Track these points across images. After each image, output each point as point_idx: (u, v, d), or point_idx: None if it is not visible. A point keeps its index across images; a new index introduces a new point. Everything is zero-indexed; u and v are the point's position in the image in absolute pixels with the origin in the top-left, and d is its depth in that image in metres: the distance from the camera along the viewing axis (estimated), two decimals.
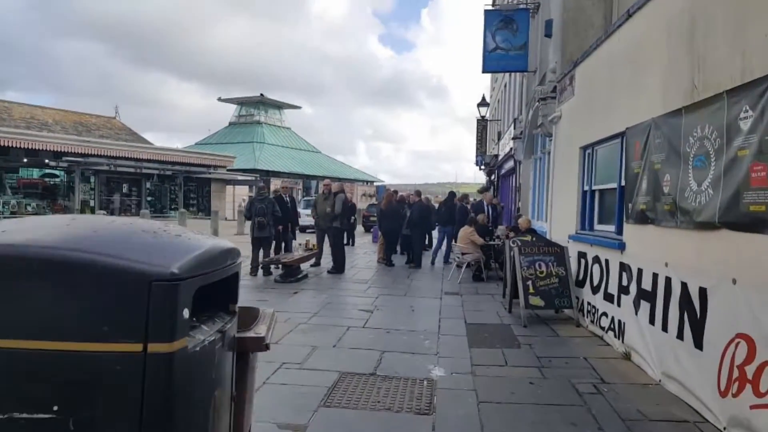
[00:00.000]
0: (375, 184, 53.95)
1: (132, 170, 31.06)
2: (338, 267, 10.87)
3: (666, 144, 4.66)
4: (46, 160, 27.34)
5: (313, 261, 11.51)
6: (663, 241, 4.69)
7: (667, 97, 4.80)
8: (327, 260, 12.09)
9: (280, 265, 9.80)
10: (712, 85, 4.05)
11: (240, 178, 36.32)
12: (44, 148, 26.61)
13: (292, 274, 9.64)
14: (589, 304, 6.64)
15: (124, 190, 32.15)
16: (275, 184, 38.36)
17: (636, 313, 5.12)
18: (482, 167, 23.55)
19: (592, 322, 6.45)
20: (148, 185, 32.95)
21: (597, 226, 6.92)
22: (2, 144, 25.18)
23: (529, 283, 6.96)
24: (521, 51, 11.29)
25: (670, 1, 4.91)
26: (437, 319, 7.03)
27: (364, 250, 15.98)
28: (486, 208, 12.69)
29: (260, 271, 10.26)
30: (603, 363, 5.19)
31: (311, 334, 6.10)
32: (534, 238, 8.11)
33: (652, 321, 4.79)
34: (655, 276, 4.78)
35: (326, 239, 11.62)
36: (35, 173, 30.47)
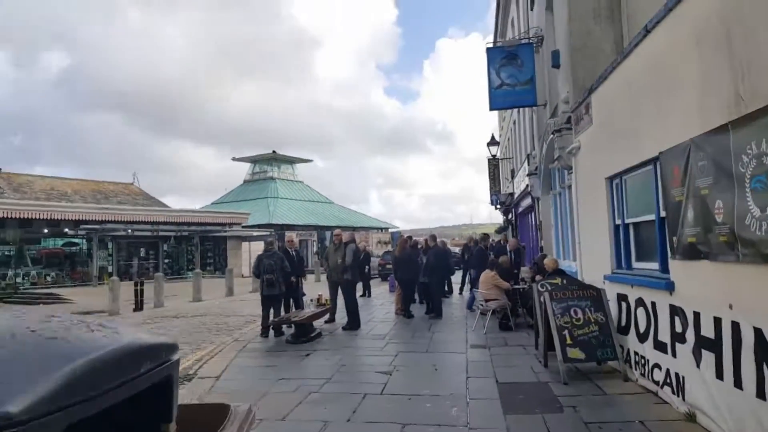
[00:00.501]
0: (390, 230, 53.48)
1: (149, 233, 31.09)
2: (353, 323, 10.18)
3: (712, 166, 4.04)
4: (66, 230, 27.52)
5: (327, 317, 10.85)
6: (723, 279, 3.99)
7: (704, 113, 4.22)
8: (342, 314, 11.41)
9: (292, 325, 9.16)
10: (762, 93, 3.47)
11: (255, 234, 36.11)
12: (64, 218, 26.82)
13: (304, 333, 8.98)
14: (636, 354, 5.85)
15: (142, 254, 32.06)
16: (289, 237, 38.08)
17: (698, 366, 4.36)
18: (498, 207, 22.96)
19: (643, 375, 5.65)
20: (165, 247, 32.87)
21: (636, 264, 6.21)
22: (24, 216, 25.41)
23: (566, 333, 6.21)
24: (528, 85, 10.90)
25: (694, 9, 4.40)
26: (464, 379, 6.28)
27: (380, 301, 15.25)
28: (510, 254, 11.99)
29: (272, 332, 9.62)
30: (664, 427, 4.39)
31: (323, 406, 5.40)
32: (564, 281, 7.40)
33: (719, 375, 4.03)
34: (717, 321, 4.05)
35: (340, 293, 11.01)
36: (58, 243, 30.61)
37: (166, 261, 32.96)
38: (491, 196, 23.55)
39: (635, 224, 6.21)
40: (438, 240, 12.52)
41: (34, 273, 27.14)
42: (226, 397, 5.86)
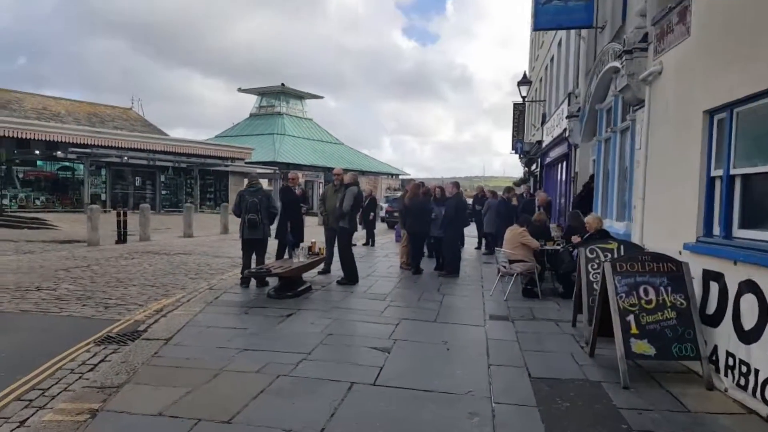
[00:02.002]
0: (400, 177, 51.62)
1: (145, 162, 29.47)
2: (349, 276, 8.62)
3: None
4: (59, 152, 25.94)
5: (321, 267, 9.30)
6: None
7: None
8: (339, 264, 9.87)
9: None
10: None
11: (259, 170, 34.34)
12: (51, 139, 25.15)
13: (290, 286, 7.43)
14: (731, 356, 4.20)
15: (138, 183, 30.55)
16: (293, 174, 36.48)
17: None
18: (521, 156, 20.96)
19: (741, 386, 4.02)
20: (162, 178, 31.31)
21: (739, 232, 4.47)
22: (8, 135, 23.75)
23: (631, 318, 4.55)
24: (584, 0, 8.77)
25: None
26: (485, 368, 4.70)
27: (384, 252, 13.69)
28: (538, 209, 10.23)
29: (254, 281, 8.10)
30: None
31: (291, 401, 3.86)
32: (621, 246, 5.70)
33: None
34: None
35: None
36: (54, 166, 29.06)
37: (164, 192, 31.49)
38: (515, 143, 21.48)
39: (745, 177, 4.42)
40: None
41: (22, 196, 25.82)
42: (163, 373, 4.34)
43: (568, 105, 12.03)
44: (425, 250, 11.55)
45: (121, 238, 15.44)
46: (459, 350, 5.22)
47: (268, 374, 4.32)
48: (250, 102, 50.64)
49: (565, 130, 12.25)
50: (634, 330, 4.50)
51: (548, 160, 17.27)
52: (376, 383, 4.23)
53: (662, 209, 5.76)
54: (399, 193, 38.20)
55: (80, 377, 4.40)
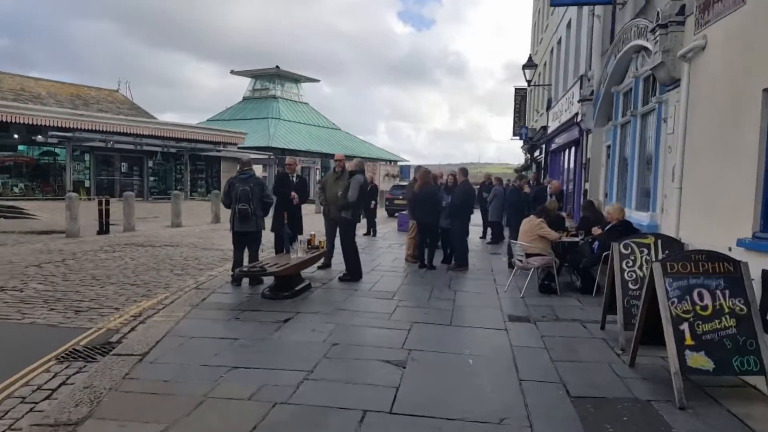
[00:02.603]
0: (398, 163, 50.85)
1: (132, 147, 28.54)
2: (352, 272, 7.96)
3: None
4: (39, 136, 24.92)
5: (321, 262, 8.63)
6: None
7: None
8: (340, 258, 9.20)
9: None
10: None
11: (252, 156, 33.52)
12: (28, 122, 24.02)
13: (287, 285, 6.76)
14: None
15: (124, 169, 29.61)
16: (291, 159, 35.61)
17: None
18: (525, 141, 20.25)
19: None
20: (150, 164, 30.39)
21: None
22: None
23: (686, 327, 3.92)
24: None
25: None
26: (517, 386, 4.07)
27: (387, 242, 13.04)
28: (551, 197, 9.59)
29: (246, 279, 7.42)
30: None
31: None
32: (659, 241, 5.08)
33: None
34: None
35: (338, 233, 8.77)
36: (34, 151, 28.04)
37: (152, 179, 30.59)
38: (520, 129, 20.76)
39: None
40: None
41: None
42: (134, 402, 3.66)
43: (580, 88, 11.34)
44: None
45: (103, 228, 14.65)
46: (483, 362, 4.59)
47: (263, 401, 3.66)
48: (244, 86, 49.53)
49: (576, 114, 11.57)
50: (689, 341, 3.88)
51: (554, 146, 16.60)
52: (393, 410, 3.58)
53: (707, 199, 5.12)
54: (397, 180, 37.38)
55: (32, 409, 3.67)
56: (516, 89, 27.08)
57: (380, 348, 4.84)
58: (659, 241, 5.10)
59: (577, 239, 7.73)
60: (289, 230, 7.79)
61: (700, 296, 4.00)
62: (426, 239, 9.19)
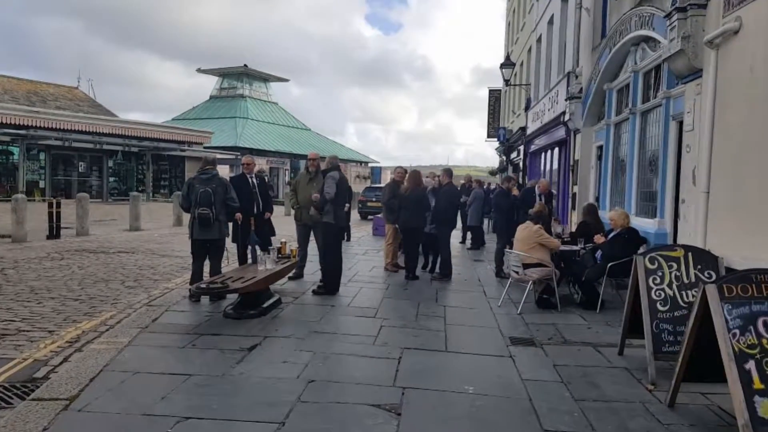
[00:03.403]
0: (369, 164, 50.02)
1: (90, 146, 26.92)
2: (329, 285, 7.07)
3: None
4: None
5: (292, 272, 7.70)
6: None
7: None
8: (313, 267, 8.30)
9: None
10: None
11: (219, 156, 32.17)
12: None
13: (253, 302, 5.82)
14: None
15: (81, 169, 27.90)
16: (259, 164, 34.41)
17: None
18: (504, 142, 19.68)
19: None
20: (110, 164, 28.74)
21: None
22: None
23: (752, 366, 3.18)
24: None
25: None
26: None
27: (363, 248, 12.17)
28: (538, 198, 8.90)
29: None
30: None
31: None
32: (690, 254, 4.39)
33: None
34: None
35: (312, 239, 7.89)
36: None
37: (112, 180, 28.96)
38: (497, 130, 20.16)
39: None
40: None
41: None
42: None
43: (567, 86, 10.73)
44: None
45: (54, 232, 13.35)
46: (493, 405, 3.77)
47: None
48: (211, 86, 47.86)
49: (562, 113, 10.97)
50: (757, 384, 3.14)
51: (533, 147, 16.04)
52: None
53: (745, 205, 4.45)
54: (368, 182, 36.49)
55: None
56: (490, 90, 26.63)
57: (368, 386, 3.97)
58: (690, 254, 4.39)
59: (575, 248, 7.03)
60: (256, 237, 6.83)
61: (766, 326, 3.28)
62: (413, 247, 8.36)
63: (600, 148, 9.75)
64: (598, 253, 6.67)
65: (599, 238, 6.58)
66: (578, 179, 10.21)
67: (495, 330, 5.68)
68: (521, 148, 18.04)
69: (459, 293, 7.61)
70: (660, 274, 4.37)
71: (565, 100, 10.39)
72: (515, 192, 8.87)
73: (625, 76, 8.10)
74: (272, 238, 7.75)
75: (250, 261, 6.80)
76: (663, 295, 4.31)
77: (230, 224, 6.99)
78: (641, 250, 6.60)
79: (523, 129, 16.84)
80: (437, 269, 8.68)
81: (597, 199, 9.82)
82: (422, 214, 8.24)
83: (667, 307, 4.28)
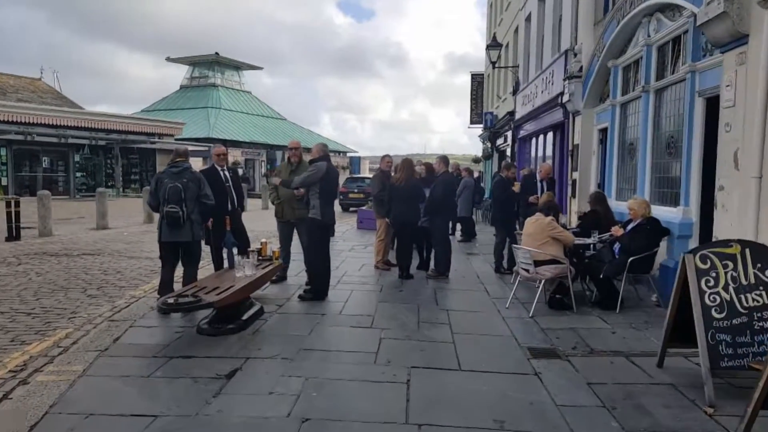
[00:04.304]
0: (348, 155, 49.08)
1: (55, 140, 25.49)
2: (317, 289, 6.31)
3: None
4: None
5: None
6: None
7: None
8: (297, 268, 7.53)
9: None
10: None
11: (191, 148, 30.87)
12: None
13: (231, 315, 5.03)
14: None
15: (46, 164, 26.44)
16: (234, 156, 33.21)
17: None
18: (489, 128, 19.01)
19: None
20: (76, 158, 27.31)
21: None
22: None
23: None
24: None
25: None
26: None
27: (348, 244, 11.42)
28: (540, 185, 8.23)
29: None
30: None
31: None
32: (747, 249, 3.75)
33: None
34: None
35: (294, 238, 7.12)
36: None
37: (79, 175, 27.52)
38: (482, 116, 19.46)
39: None
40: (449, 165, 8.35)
41: None
42: None
43: (565, 65, 10.06)
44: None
45: (13, 234, 12.27)
46: None
47: None
48: (181, 75, 46.18)
49: (560, 95, 10.31)
50: None
51: (523, 133, 15.41)
52: None
53: None
54: (347, 173, 35.60)
55: None
56: (473, 75, 25.94)
57: (376, 425, 3.24)
58: (747, 251, 3.75)
59: (588, 241, 6.38)
60: (233, 239, 6.01)
61: None
62: (406, 243, 7.63)
63: (602, 131, 9.13)
64: (616, 247, 6.04)
65: (617, 230, 5.94)
66: (578, 165, 9.60)
67: (509, 339, 5.00)
68: (508, 134, 17.42)
69: (460, 293, 6.92)
70: (714, 275, 3.72)
71: (564, 79, 9.73)
72: (516, 188, 8.17)
73: (634, 51, 7.45)
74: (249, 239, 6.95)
75: (226, 266, 5.98)
76: (718, 299, 3.66)
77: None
78: (663, 241, 6.00)
79: (511, 113, 16.20)
80: (432, 266, 7.97)
81: (600, 186, 9.22)
82: (417, 206, 7.52)
83: (724, 314, 3.64)
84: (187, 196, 5.60)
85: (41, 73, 34.33)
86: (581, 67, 9.29)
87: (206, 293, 4.77)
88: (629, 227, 5.99)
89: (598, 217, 6.91)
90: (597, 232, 6.37)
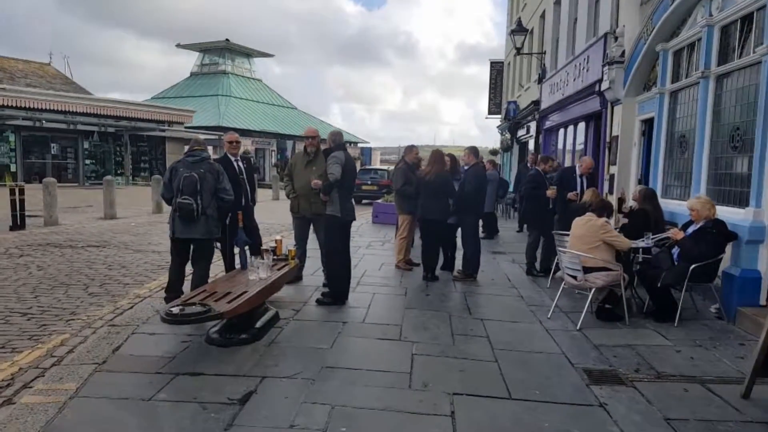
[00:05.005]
0: (359, 145, 48.39)
1: (64, 126, 25.09)
2: (336, 292, 5.72)
3: None
4: None
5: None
6: None
7: None
8: (313, 266, 6.98)
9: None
10: None
11: (201, 136, 30.36)
12: None
13: (243, 324, 4.46)
14: None
15: (54, 151, 26.04)
16: (244, 144, 32.69)
17: None
18: (511, 118, 18.26)
19: None
20: (86, 145, 26.90)
21: None
22: None
23: None
24: None
25: None
26: None
27: (366, 239, 10.82)
28: (579, 180, 7.55)
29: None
30: None
31: None
32: None
33: None
34: None
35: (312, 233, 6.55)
36: None
37: (88, 162, 27.10)
38: (507, 104, 18.65)
39: None
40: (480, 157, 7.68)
41: None
42: None
43: (604, 49, 9.32)
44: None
45: (18, 222, 11.81)
46: None
47: None
48: (191, 63, 45.62)
49: (597, 82, 9.58)
50: None
51: (548, 123, 14.66)
52: None
53: None
54: (358, 165, 34.86)
55: None
56: (492, 63, 25.11)
57: None
58: None
59: (641, 244, 5.72)
60: (245, 237, 5.43)
61: None
62: (433, 242, 7.01)
63: (645, 122, 8.42)
64: (675, 251, 5.38)
65: (677, 233, 5.28)
66: (617, 159, 8.89)
67: (560, 357, 4.38)
68: (531, 124, 16.65)
69: (492, 299, 6.30)
70: None
71: (603, 65, 9.00)
72: (551, 192, 7.52)
73: (690, 33, 6.73)
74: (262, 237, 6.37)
75: (238, 266, 5.41)
76: None
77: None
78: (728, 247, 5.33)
79: (536, 103, 15.45)
80: (460, 267, 7.36)
81: (640, 181, 8.53)
82: (446, 202, 6.90)
83: None
84: (204, 188, 5.06)
85: (50, 58, 33.99)
86: (623, 52, 8.57)
87: (216, 300, 4.19)
88: (690, 230, 5.33)
89: (647, 216, 6.25)
90: (650, 234, 5.71)
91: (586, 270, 5.18)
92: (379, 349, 4.47)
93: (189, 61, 46.88)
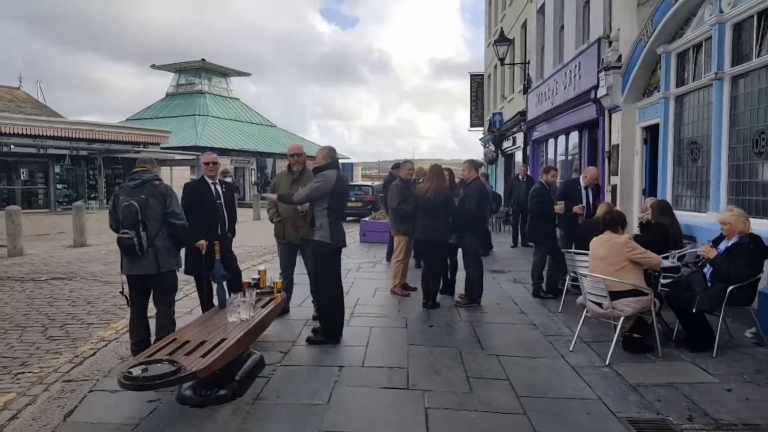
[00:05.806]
0: (341, 161, 47.79)
1: (34, 150, 24.05)
2: (328, 329, 5.03)
3: None
4: None
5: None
6: None
7: None
8: (300, 296, 6.30)
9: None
10: None
11: (178, 157, 29.51)
12: None
13: (220, 378, 3.73)
14: None
15: (24, 176, 24.93)
16: (223, 163, 31.85)
17: None
18: (496, 130, 17.82)
19: None
20: (57, 169, 25.81)
21: None
22: None
23: None
24: None
25: None
26: None
27: (355, 261, 10.16)
28: (584, 192, 7.02)
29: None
30: None
31: None
32: None
33: None
34: None
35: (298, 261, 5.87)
36: None
37: (59, 187, 25.97)
38: (493, 116, 18.24)
39: None
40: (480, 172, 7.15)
41: None
42: None
43: (599, 55, 8.88)
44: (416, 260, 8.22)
45: None
46: None
47: None
48: (167, 83, 44.71)
49: (592, 89, 9.13)
50: None
51: (537, 134, 14.22)
52: None
53: None
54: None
55: None
56: (472, 75, 24.85)
57: None
58: None
59: (676, 263, 5.15)
60: (224, 271, 4.71)
61: None
62: (434, 265, 6.37)
63: (647, 128, 7.95)
64: (707, 270, 4.83)
65: (708, 250, 4.71)
66: (618, 168, 8.41)
67: (596, 404, 3.74)
68: (518, 135, 16.22)
69: (503, 329, 5.67)
70: None
71: (599, 71, 8.55)
72: (559, 208, 6.97)
73: (696, 33, 6.29)
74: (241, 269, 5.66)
75: (215, 305, 4.69)
76: None
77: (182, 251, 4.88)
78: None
79: (522, 113, 15.03)
80: (461, 291, 6.73)
81: (644, 192, 8.04)
82: (447, 221, 6.28)
83: None
84: (148, 217, 4.32)
85: (20, 82, 32.82)
86: (619, 56, 8.13)
87: (188, 353, 3.47)
88: (722, 246, 4.79)
89: (665, 230, 5.71)
90: (676, 252, 5.15)
91: (613, 296, 4.58)
92: (385, 402, 3.78)
93: (164, 82, 46.11)
